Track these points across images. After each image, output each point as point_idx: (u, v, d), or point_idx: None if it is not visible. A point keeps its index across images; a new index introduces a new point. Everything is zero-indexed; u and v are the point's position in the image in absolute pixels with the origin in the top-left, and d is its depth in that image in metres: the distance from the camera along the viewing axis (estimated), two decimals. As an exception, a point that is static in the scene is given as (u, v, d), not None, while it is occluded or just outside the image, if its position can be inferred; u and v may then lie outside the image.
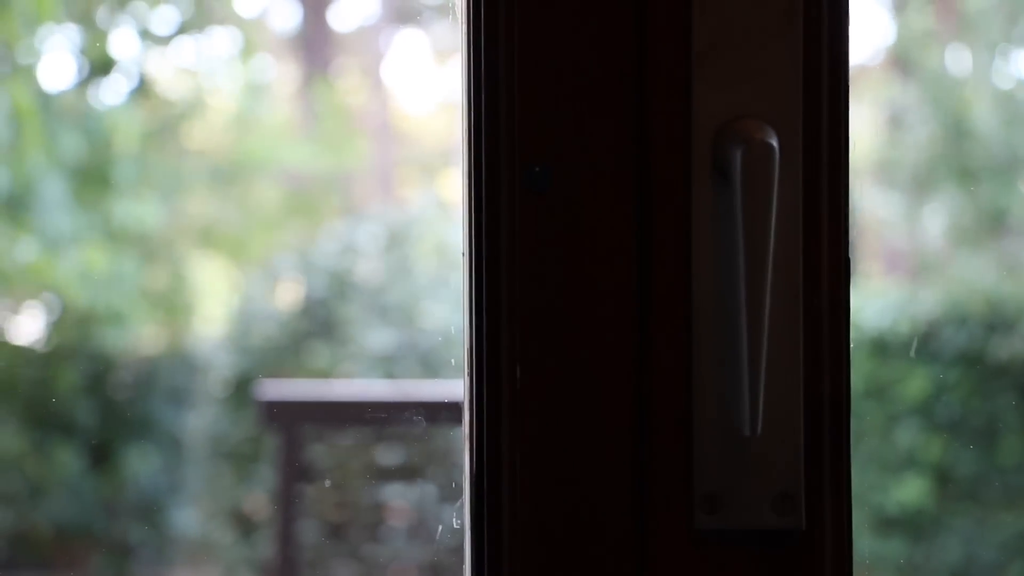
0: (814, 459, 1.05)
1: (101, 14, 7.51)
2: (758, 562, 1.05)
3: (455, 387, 6.13)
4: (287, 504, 3.09)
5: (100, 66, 7.41)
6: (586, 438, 1.04)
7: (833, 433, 1.06)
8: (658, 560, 1.04)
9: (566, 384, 1.03)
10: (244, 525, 6.73)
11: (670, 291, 1.04)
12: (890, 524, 8.75)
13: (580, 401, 1.04)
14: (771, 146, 1.02)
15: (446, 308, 6.42)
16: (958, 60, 8.42)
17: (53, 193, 6.31)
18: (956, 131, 7.78)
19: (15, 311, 6.49)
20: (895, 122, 8.41)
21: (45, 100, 6.61)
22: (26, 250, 5.51)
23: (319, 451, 5.27)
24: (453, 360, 6.41)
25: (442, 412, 2.91)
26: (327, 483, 4.74)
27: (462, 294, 1.05)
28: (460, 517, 1.09)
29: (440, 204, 7.21)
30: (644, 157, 1.04)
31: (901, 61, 8.20)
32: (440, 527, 5.55)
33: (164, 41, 7.85)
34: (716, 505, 1.04)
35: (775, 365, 1.04)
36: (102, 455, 8.93)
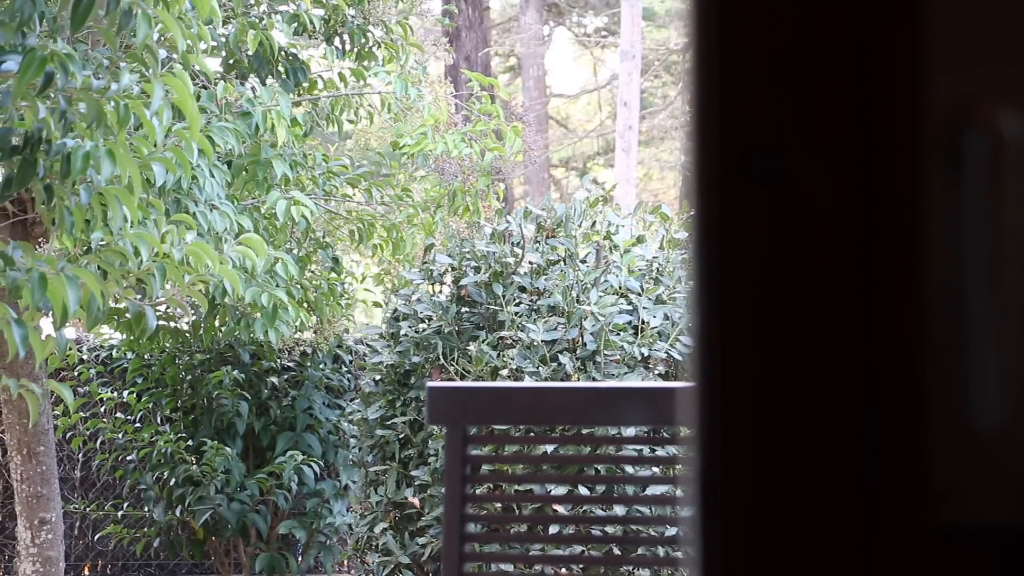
0: None
1: (258, 10, 7.54)
2: (995, 560, 1.01)
3: (618, 380, 6.10)
4: (452, 501, 3.05)
5: (258, 60, 7.45)
6: (816, 431, 1.01)
7: None
8: (889, 558, 1.01)
9: (794, 376, 1.01)
10: (406, 521, 6.73)
11: (901, 281, 0.99)
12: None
13: (809, 393, 1.01)
14: (1011, 132, 0.97)
15: (607, 299, 6.35)
16: None
17: (212, 187, 6.35)
18: None
19: (176, 304, 6.53)
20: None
21: (204, 95, 6.66)
22: (188, 243, 5.54)
23: (484, 447, 5.24)
24: (607, 354, 6.34)
25: (606, 407, 2.86)
26: (490, 480, 4.70)
27: (687, 289, 0.98)
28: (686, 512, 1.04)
29: (598, 194, 7.13)
30: (874, 144, 0.99)
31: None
32: (595, 529, 5.49)
33: (319, 34, 7.87)
34: (951, 500, 1.00)
35: (1014, 355, 0.99)
36: (258, 450, 9.03)
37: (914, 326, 1.00)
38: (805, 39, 1.00)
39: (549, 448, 5.86)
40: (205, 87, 6.87)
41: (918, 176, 0.99)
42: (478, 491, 5.05)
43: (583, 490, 5.83)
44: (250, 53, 7.29)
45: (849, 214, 1.00)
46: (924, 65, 0.99)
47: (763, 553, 1.02)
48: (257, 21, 7.20)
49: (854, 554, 1.01)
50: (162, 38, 6.23)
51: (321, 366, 9.21)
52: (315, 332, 8.97)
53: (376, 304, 8.94)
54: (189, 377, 8.98)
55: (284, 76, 7.63)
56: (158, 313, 7.39)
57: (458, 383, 5.75)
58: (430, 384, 3.19)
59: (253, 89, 7.03)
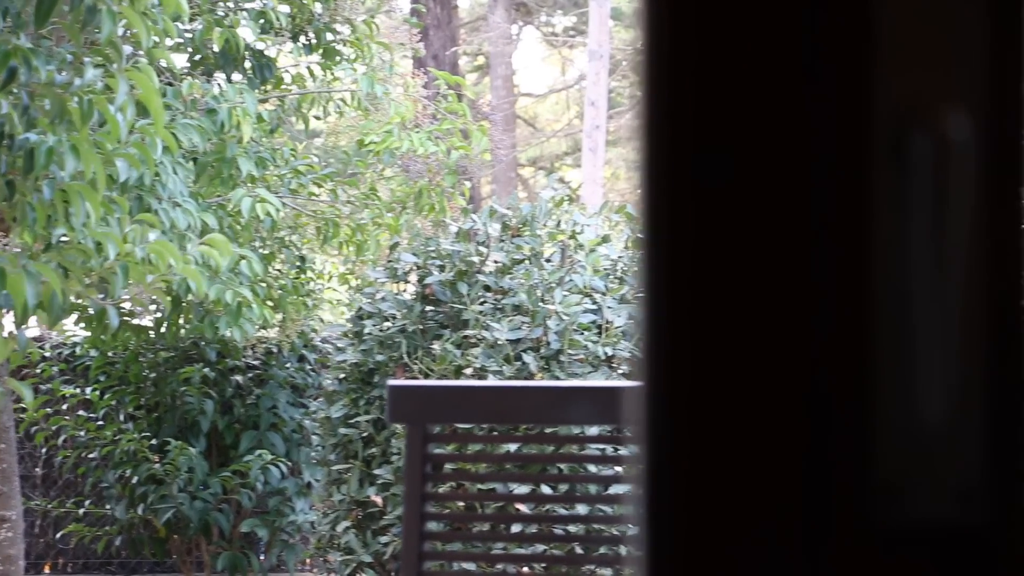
0: (998, 451, 1.01)
1: (224, 6, 7.53)
2: (938, 558, 1.01)
3: (583, 379, 6.11)
4: (413, 500, 3.05)
5: (224, 57, 7.44)
6: (758, 431, 1.01)
7: (1012, 425, 1.01)
8: (832, 557, 1.01)
9: (738, 377, 1.01)
10: (368, 520, 6.72)
11: (846, 279, 1.00)
12: None
13: (753, 394, 1.01)
14: (957, 134, 0.98)
15: (572, 299, 6.36)
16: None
17: (176, 184, 6.33)
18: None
19: (140, 303, 6.51)
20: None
21: (169, 92, 6.64)
22: (151, 241, 5.52)
23: (446, 446, 5.23)
24: (583, 353, 6.35)
25: (570, 406, 2.87)
26: (452, 479, 4.70)
27: (637, 287, 0.99)
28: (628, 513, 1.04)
29: (564, 193, 7.14)
30: (822, 147, 1.00)
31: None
32: (557, 528, 5.50)
33: (285, 31, 7.86)
34: (894, 499, 1.00)
35: (957, 356, 1.00)
36: (223, 448, 9.00)
37: (859, 325, 1.00)
38: (753, 39, 1.00)
39: (512, 447, 5.86)
40: (171, 84, 6.85)
41: (865, 176, 1.00)
42: (441, 490, 5.04)
43: (546, 489, 5.83)
44: (216, 50, 7.27)
45: (796, 214, 1.00)
46: (872, 66, 0.99)
47: (707, 552, 1.02)
48: (223, 18, 7.18)
49: (798, 553, 1.01)
50: (128, 34, 6.21)
51: (286, 365, 9.20)
52: (280, 330, 8.96)
53: (337, 303, 8.92)
54: (153, 375, 8.96)
55: (250, 73, 7.61)
56: (122, 311, 7.36)
57: (418, 382, 5.74)
58: (391, 383, 3.19)
59: (219, 86, 7.01)
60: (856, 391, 1.00)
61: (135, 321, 7.88)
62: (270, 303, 7.76)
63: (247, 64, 7.62)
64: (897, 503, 1.01)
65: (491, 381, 6.06)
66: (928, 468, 1.01)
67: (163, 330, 7.69)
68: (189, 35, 7.41)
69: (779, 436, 1.00)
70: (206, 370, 8.86)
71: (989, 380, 1.01)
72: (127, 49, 5.51)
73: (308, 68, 7.92)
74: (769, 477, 1.01)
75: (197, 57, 7.60)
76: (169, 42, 6.72)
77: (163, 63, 6.21)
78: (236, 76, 7.44)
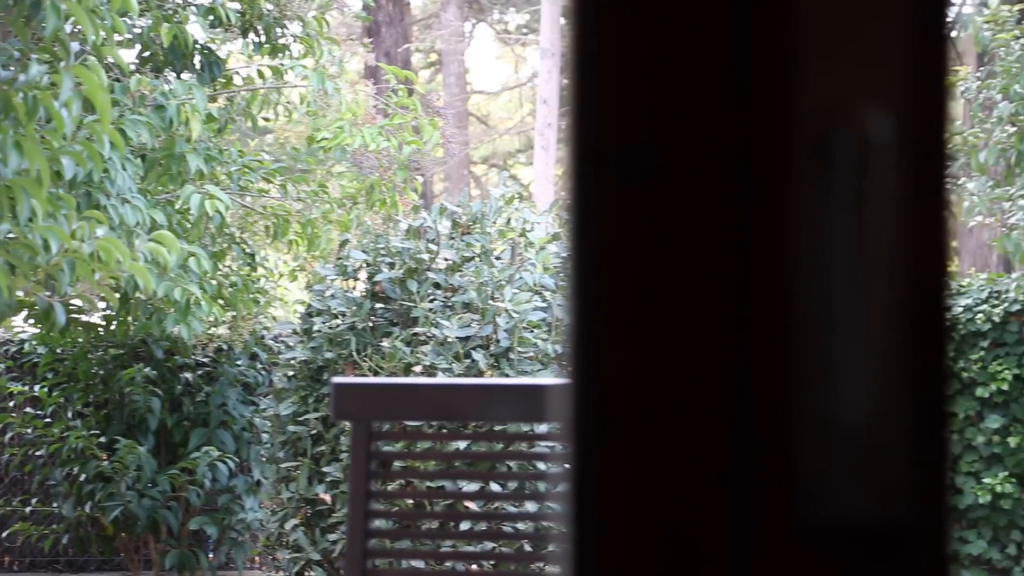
0: (917, 450, 1.02)
1: (174, 2, 7.49)
2: (859, 556, 1.02)
3: (533, 377, 6.11)
4: (360, 497, 3.04)
5: (173, 53, 7.40)
6: (682, 429, 1.01)
7: (935, 424, 1.02)
8: (756, 554, 1.01)
9: (663, 374, 1.01)
10: (316, 517, 6.70)
11: (769, 279, 1.00)
12: (973, 517, 8.63)
13: (677, 391, 1.01)
14: (875, 131, 0.99)
15: (522, 296, 6.36)
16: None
17: (125, 181, 6.30)
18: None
19: (88, 300, 6.47)
20: (983, 109, 8.30)
21: (118, 88, 6.60)
22: (100, 238, 5.49)
23: (393, 443, 5.22)
24: (532, 351, 6.35)
25: (519, 403, 2.87)
26: (399, 476, 4.70)
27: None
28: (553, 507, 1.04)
29: (515, 190, 7.14)
30: (746, 144, 1.00)
31: (984, 47, 8.09)
32: (506, 524, 5.50)
33: (236, 28, 7.83)
34: (816, 498, 1.01)
35: (878, 355, 1.01)
36: (171, 446, 8.96)
37: (782, 323, 1.01)
38: (680, 36, 1.01)
39: (462, 444, 5.85)
40: (119, 80, 6.81)
41: (788, 174, 1.00)
42: (390, 487, 5.03)
43: (495, 487, 5.83)
44: (165, 46, 7.24)
45: (721, 210, 1.00)
46: (794, 65, 1.00)
47: (634, 548, 1.02)
48: (172, 14, 7.15)
49: (722, 549, 1.01)
50: (75, 30, 6.17)
51: (237, 362, 9.17)
52: (231, 328, 8.93)
53: (290, 300, 8.90)
54: (101, 372, 8.91)
55: (200, 70, 7.58)
56: (71, 308, 7.32)
57: (362, 379, 5.73)
58: (335, 380, 3.18)
59: (168, 83, 6.98)
60: (779, 389, 1.01)
61: (84, 318, 7.83)
62: (220, 300, 7.73)
63: (196, 61, 7.59)
64: (820, 500, 1.01)
65: (435, 379, 6.06)
66: (851, 466, 1.01)
67: (112, 327, 7.65)
68: (138, 31, 7.37)
69: (703, 433, 1.01)
70: (147, 369, 8.82)
71: (912, 378, 1.02)
72: (75, 46, 5.48)
73: (259, 71, 7.90)
74: (693, 474, 1.01)
75: (146, 54, 7.56)
76: (117, 37, 6.69)
77: (111, 60, 6.17)
78: (185, 73, 7.41)
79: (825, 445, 1.01)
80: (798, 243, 1.00)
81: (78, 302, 7.30)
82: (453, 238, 6.82)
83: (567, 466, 1.03)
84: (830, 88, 1.00)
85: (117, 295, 6.22)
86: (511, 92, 23.62)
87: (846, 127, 0.99)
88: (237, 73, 8.03)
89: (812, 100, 1.00)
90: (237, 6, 7.67)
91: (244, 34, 7.88)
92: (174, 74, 7.36)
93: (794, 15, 1.00)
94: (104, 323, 7.74)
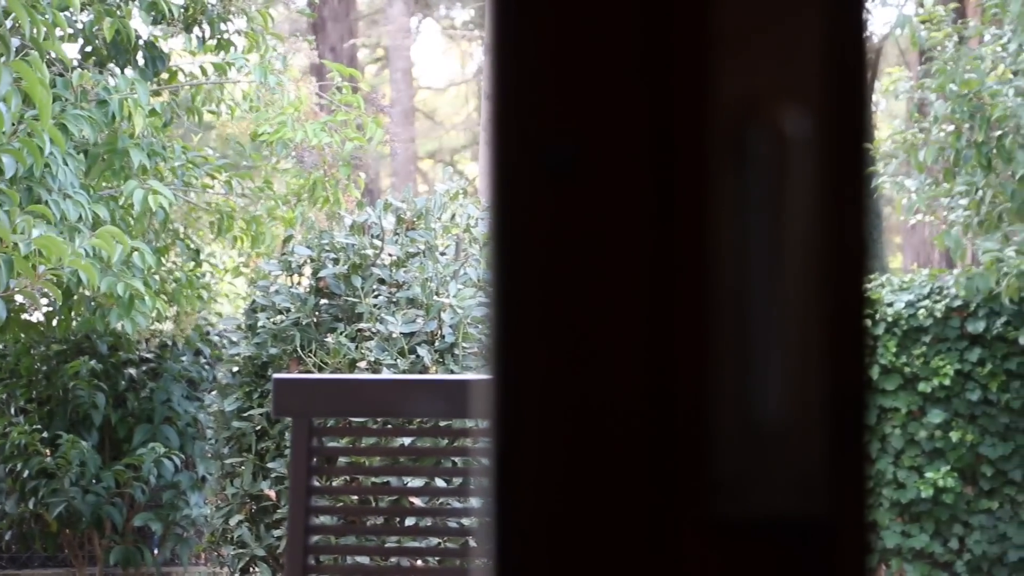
0: (835, 447, 1.03)
1: (115, -4, 7.45)
2: (777, 551, 1.03)
3: (473, 373, 6.10)
4: (302, 492, 3.04)
5: (115, 48, 7.37)
6: (604, 425, 1.02)
7: (854, 420, 1.03)
8: (675, 549, 1.02)
9: (584, 371, 1.01)
10: (258, 512, 6.70)
11: (689, 276, 1.01)
12: (915, 511, 8.70)
13: (597, 388, 1.01)
14: (793, 129, 1.00)
15: (466, 292, 6.37)
16: (977, 41, 8.37)
17: (67, 176, 6.27)
18: (976, 114, 7.72)
19: (30, 296, 6.44)
20: (919, 108, 8.37)
21: (60, 83, 6.57)
22: (41, 234, 5.46)
23: (336, 438, 5.23)
24: (469, 346, 6.36)
25: (459, 399, 2.88)
26: (342, 472, 4.69)
27: (482, 278, 0.99)
28: (477, 504, 1.05)
29: (460, 186, 7.15)
30: (664, 140, 1.01)
31: (924, 45, 8.15)
32: (448, 520, 5.50)
33: (180, 23, 7.81)
34: (734, 494, 1.02)
35: (797, 351, 1.01)
36: (115, 442, 8.93)
37: (701, 320, 1.01)
38: (597, 33, 1.01)
39: (407, 440, 5.86)
40: (62, 74, 6.78)
41: (705, 171, 1.01)
42: (334, 483, 5.03)
43: (440, 482, 5.84)
44: (108, 41, 7.20)
45: (639, 208, 1.01)
46: (711, 62, 1.01)
47: (554, 544, 1.02)
48: (114, 8, 7.11)
49: (643, 544, 1.02)
50: (16, 25, 6.14)
51: (181, 358, 9.14)
52: (175, 324, 8.90)
53: (235, 296, 8.88)
54: (44, 368, 8.87)
55: (143, 66, 7.55)
56: (15, 304, 7.28)
57: (303, 375, 5.72)
58: (276, 376, 3.18)
59: (110, 77, 6.95)
60: (698, 386, 1.01)
61: (24, 316, 7.79)
62: (164, 296, 7.71)
63: (140, 56, 7.56)
64: (738, 496, 1.02)
65: (376, 375, 6.06)
66: (769, 462, 1.02)
67: (54, 323, 7.61)
68: (80, 26, 7.34)
69: (624, 431, 1.01)
70: (93, 362, 8.78)
71: (830, 377, 1.02)
72: (15, 41, 5.45)
73: (201, 67, 7.88)
74: (614, 471, 1.01)
75: (89, 48, 7.53)
76: (59, 32, 6.65)
77: (54, 54, 6.14)
78: (128, 68, 7.38)
79: (742, 443, 1.02)
80: (717, 240, 1.01)
81: (20, 298, 7.26)
82: (398, 234, 6.82)
83: (488, 463, 1.04)
84: (748, 84, 1.01)
85: (60, 291, 6.19)
86: (457, 88, 23.63)
87: (764, 123, 1.00)
88: (181, 70, 8.00)
89: (730, 96, 1.01)
90: (181, 0, 7.64)
91: (188, 29, 7.85)
92: (118, 69, 7.33)
93: (708, 14, 1.01)
94: (45, 320, 7.70)
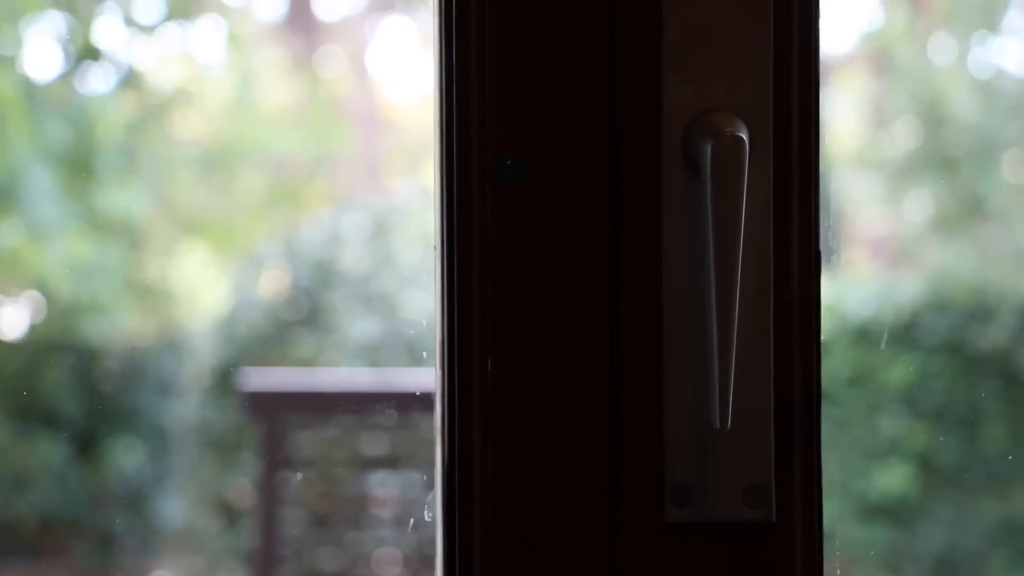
0: (784, 452, 1.06)
1: (85, 2, 7.48)
2: (728, 554, 1.05)
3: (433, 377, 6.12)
4: (270, 493, 3.10)
5: (85, 54, 7.39)
6: (557, 431, 1.04)
7: (803, 425, 1.06)
8: (629, 552, 1.04)
9: (537, 377, 1.04)
10: (228, 514, 6.73)
11: (641, 284, 1.04)
12: (873, 511, 8.77)
13: (551, 394, 1.04)
14: (740, 139, 1.02)
15: (430, 297, 6.42)
16: (935, 49, 8.45)
17: (38, 182, 6.29)
18: (934, 120, 7.81)
19: (-1, 301, 6.48)
20: (878, 112, 8.45)
21: (29, 89, 6.58)
22: (10, 240, 5.50)
23: (302, 440, 5.27)
24: (426, 352, 6.42)
25: (424, 402, 2.95)
26: (309, 473, 4.74)
27: (434, 285, 1.06)
28: (432, 510, 1.10)
29: (425, 193, 7.20)
30: (616, 149, 1.04)
31: (882, 51, 8.23)
32: (412, 519, 5.56)
33: (149, 30, 7.83)
34: (686, 498, 1.05)
35: (745, 358, 1.04)
36: (87, 446, 8.91)
37: (653, 328, 1.04)
38: (552, 48, 1.04)
39: (375, 436, 5.91)
40: (30, 81, 6.79)
41: (657, 181, 1.04)
42: (302, 481, 5.08)
43: (410, 478, 5.89)
44: (79, 45, 7.22)
45: (592, 217, 1.04)
46: (661, 76, 1.04)
47: (512, 547, 1.05)
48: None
49: (600, 547, 1.05)
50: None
51: (154, 360, 9.13)
52: (148, 326, 8.90)
53: (202, 298, 8.88)
54: (17, 368, 8.85)
55: (122, 66, 7.56)
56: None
57: (273, 376, 5.74)
58: (246, 377, 3.23)
59: (89, 79, 6.96)
60: (650, 393, 1.04)
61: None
62: (138, 299, 7.71)
63: (120, 57, 7.58)
64: (688, 501, 1.05)
65: (344, 375, 6.11)
66: (719, 465, 1.05)
67: (28, 327, 7.61)
68: (52, 31, 7.34)
69: (578, 436, 1.04)
70: (64, 366, 8.76)
71: (779, 383, 1.05)
72: None
73: (178, 68, 7.89)
74: (570, 477, 1.04)
75: (61, 54, 7.53)
76: (30, 38, 6.67)
77: (23, 60, 6.15)
78: (101, 73, 7.40)
79: (692, 448, 1.04)
80: (668, 248, 1.04)
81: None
82: (366, 238, 6.87)
83: (442, 468, 1.06)
84: (697, 94, 1.04)
85: (34, 294, 6.21)
86: (429, 95, 23.48)
87: (711, 134, 1.03)
88: (158, 70, 8.02)
89: (680, 106, 1.04)
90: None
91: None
92: (94, 71, 7.34)
93: (658, 30, 1.04)
94: (18, 324, 7.70)
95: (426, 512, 1.14)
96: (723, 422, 1.02)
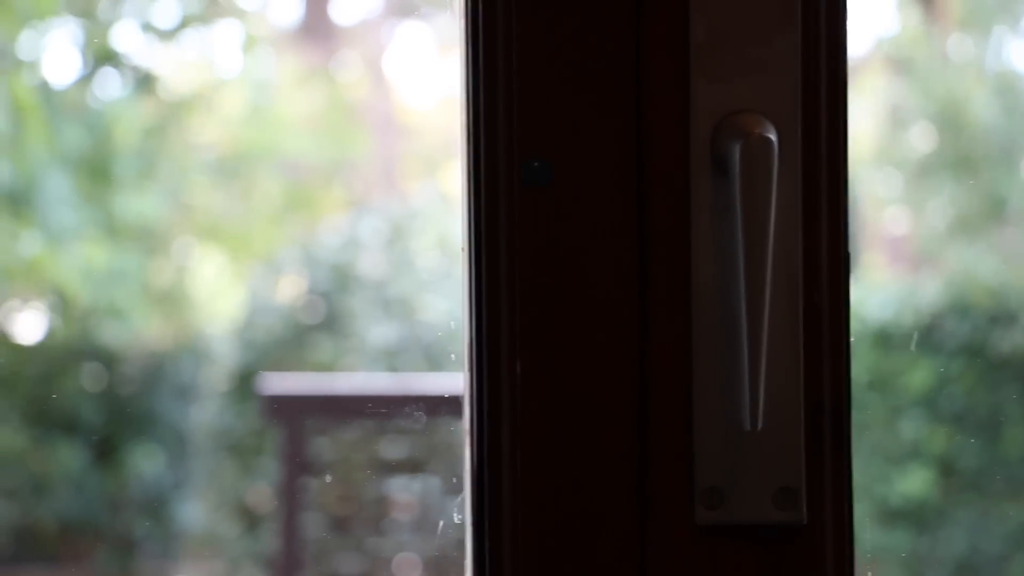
0: (815, 453, 1.05)
1: (102, 8, 7.51)
2: (759, 556, 1.05)
3: (457, 380, 6.13)
4: (291, 498, 3.11)
5: (102, 60, 7.41)
6: (587, 433, 1.04)
7: (834, 427, 1.06)
8: (659, 554, 1.04)
9: (566, 379, 1.04)
10: (248, 519, 6.74)
11: (670, 286, 1.04)
12: (894, 515, 8.76)
13: (581, 396, 1.04)
14: (769, 140, 1.02)
15: (448, 301, 6.42)
16: (955, 51, 8.45)
17: (55, 188, 6.31)
18: (954, 122, 7.80)
19: (17, 307, 6.49)
20: (896, 115, 8.44)
21: (47, 95, 6.61)
22: (28, 246, 5.51)
23: (322, 444, 5.28)
24: (454, 355, 6.42)
25: (444, 406, 2.93)
26: (329, 477, 4.74)
27: (462, 289, 1.05)
28: (461, 512, 1.09)
29: (442, 197, 7.21)
30: (643, 152, 1.04)
31: (899, 54, 8.22)
32: (442, 522, 5.57)
33: (166, 35, 7.85)
34: (717, 500, 1.05)
35: (775, 359, 1.04)
36: (106, 451, 8.94)
37: (682, 330, 1.03)
38: (579, 51, 1.04)
39: (396, 441, 5.92)
40: (48, 86, 6.81)
41: (685, 183, 1.04)
42: (324, 485, 5.09)
43: (430, 483, 5.89)
44: (96, 51, 7.24)
45: (619, 219, 1.04)
46: (688, 77, 1.04)
47: (545, 550, 1.05)
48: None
49: (628, 551, 1.04)
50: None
51: (173, 365, 9.15)
52: (166, 332, 8.92)
53: (220, 304, 8.90)
54: (36, 374, 8.87)
55: (138, 72, 7.58)
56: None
57: (294, 381, 5.75)
58: (267, 381, 3.24)
59: (104, 85, 6.98)
60: (680, 396, 1.03)
61: (16, 325, 7.81)
62: (156, 304, 7.74)
63: (135, 64, 7.60)
64: (718, 503, 1.04)
65: (365, 380, 6.12)
66: (750, 468, 1.04)
67: (46, 333, 7.63)
68: (69, 37, 7.37)
69: (608, 437, 1.03)
70: (83, 371, 8.79)
71: (809, 385, 1.05)
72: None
73: (194, 74, 7.91)
74: (600, 478, 1.04)
75: (78, 59, 7.56)
76: (48, 44, 6.69)
77: (41, 66, 6.17)
78: (118, 78, 7.42)
79: (723, 450, 1.04)
80: (697, 249, 1.03)
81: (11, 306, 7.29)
82: (384, 242, 6.88)
83: (473, 470, 1.05)
84: (725, 96, 1.04)
85: (52, 299, 6.23)
86: (446, 99, 23.50)
87: (736, 136, 1.02)
88: (175, 75, 8.04)
89: (706, 110, 1.04)
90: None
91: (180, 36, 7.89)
92: (111, 76, 7.36)
93: (686, 33, 1.04)
94: (36, 330, 7.72)
95: (455, 514, 1.14)
96: (754, 424, 1.02)
